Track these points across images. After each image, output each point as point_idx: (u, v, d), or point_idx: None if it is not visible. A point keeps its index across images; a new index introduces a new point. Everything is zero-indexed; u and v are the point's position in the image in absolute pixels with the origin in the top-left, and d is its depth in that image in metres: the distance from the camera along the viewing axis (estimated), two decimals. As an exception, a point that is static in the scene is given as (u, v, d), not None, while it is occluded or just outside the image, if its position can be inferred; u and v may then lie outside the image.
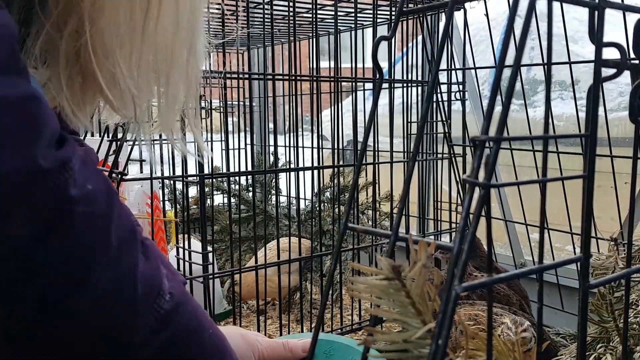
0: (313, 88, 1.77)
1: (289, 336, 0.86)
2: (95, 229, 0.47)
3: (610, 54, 0.34)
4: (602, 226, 1.59)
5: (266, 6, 1.67)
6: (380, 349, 0.31)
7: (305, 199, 2.39)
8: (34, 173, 0.42)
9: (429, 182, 2.28)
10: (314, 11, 1.74)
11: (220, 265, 2.27)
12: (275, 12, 1.71)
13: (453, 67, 2.07)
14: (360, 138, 1.91)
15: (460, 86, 2.09)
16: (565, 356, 1.02)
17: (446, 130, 2.11)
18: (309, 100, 1.89)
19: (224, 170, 2.41)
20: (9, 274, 0.42)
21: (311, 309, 2.01)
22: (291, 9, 1.68)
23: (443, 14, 2.09)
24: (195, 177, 1.56)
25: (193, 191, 2.54)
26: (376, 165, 1.93)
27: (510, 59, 0.29)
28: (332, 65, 1.87)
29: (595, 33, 0.32)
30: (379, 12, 1.87)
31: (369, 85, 2.34)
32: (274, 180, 2.44)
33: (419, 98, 2.08)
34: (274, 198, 2.43)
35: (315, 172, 1.93)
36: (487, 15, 1.85)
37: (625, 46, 0.36)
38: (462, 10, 2.00)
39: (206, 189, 2.19)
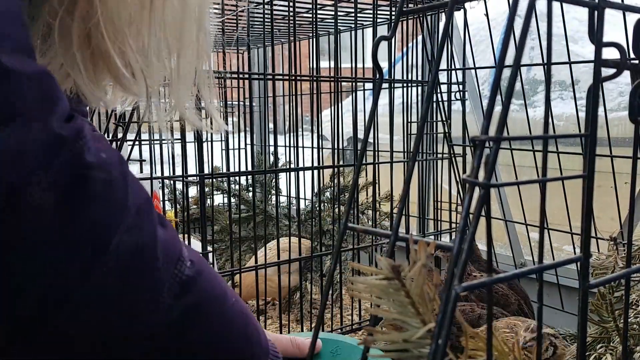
0: (313, 88, 1.77)
1: (292, 334, 0.86)
2: (113, 194, 0.47)
3: (610, 54, 0.34)
4: (602, 226, 1.59)
5: (266, 6, 1.67)
6: (381, 349, 0.31)
7: (305, 199, 2.39)
8: (52, 141, 0.44)
9: (429, 182, 2.28)
10: (314, 11, 1.74)
11: (220, 265, 2.27)
12: (275, 12, 1.71)
13: (453, 67, 2.07)
14: (360, 138, 1.91)
15: (460, 86, 2.10)
16: (565, 356, 1.02)
17: (446, 130, 2.11)
18: (309, 100, 1.89)
19: (224, 170, 2.41)
20: (32, 239, 0.43)
21: (311, 309, 2.01)
22: (291, 9, 1.68)
23: (443, 14, 2.09)
24: (195, 177, 1.56)
25: (193, 191, 2.54)
26: (376, 165, 1.93)
27: (510, 59, 0.29)
28: (332, 65, 1.87)
29: (595, 33, 0.32)
30: (379, 12, 1.87)
31: (369, 85, 2.34)
32: (274, 180, 2.45)
33: (419, 98, 2.08)
34: (274, 198, 2.43)
35: (315, 172, 1.93)
36: (487, 15, 1.85)
37: (625, 46, 0.36)
38: (462, 10, 2.00)
39: (206, 189, 2.19)
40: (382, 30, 2.17)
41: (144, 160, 1.65)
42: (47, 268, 0.44)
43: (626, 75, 0.36)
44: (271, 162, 2.54)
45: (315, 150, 1.79)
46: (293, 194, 1.94)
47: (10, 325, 0.45)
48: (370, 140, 2.09)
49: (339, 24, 1.90)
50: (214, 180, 2.52)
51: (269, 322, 1.97)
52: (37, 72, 0.44)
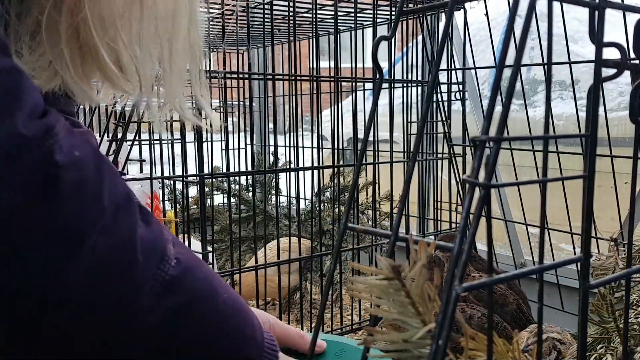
0: (313, 88, 1.77)
1: None
2: (86, 195, 0.46)
3: (610, 54, 0.34)
4: (602, 226, 1.59)
5: (266, 6, 1.67)
6: (381, 349, 0.31)
7: (305, 199, 2.39)
8: (16, 141, 0.42)
9: (429, 182, 2.28)
10: (314, 11, 1.74)
11: (220, 265, 2.27)
12: (275, 12, 1.71)
13: (453, 67, 2.07)
14: (360, 138, 1.91)
15: (460, 86, 2.09)
16: (566, 357, 1.02)
17: (446, 130, 2.11)
18: (309, 100, 1.89)
19: (224, 170, 2.41)
20: (2, 243, 0.42)
21: (311, 308, 2.01)
22: (291, 9, 1.68)
23: (443, 14, 2.09)
24: (195, 177, 1.56)
25: (193, 191, 2.54)
26: (376, 165, 1.93)
27: (510, 59, 0.29)
28: (332, 65, 1.87)
29: (596, 33, 0.32)
30: (379, 12, 1.87)
31: (369, 85, 2.34)
32: (274, 180, 2.44)
33: (419, 98, 2.08)
34: (274, 198, 2.43)
35: (315, 172, 1.93)
36: (487, 15, 1.85)
37: (625, 46, 0.36)
38: (462, 10, 2.00)
39: (206, 189, 2.19)
40: (382, 30, 2.17)
41: (144, 160, 1.65)
42: (20, 272, 0.43)
43: (626, 75, 0.36)
44: (271, 162, 2.54)
45: (315, 150, 1.79)
46: (293, 194, 1.94)
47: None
48: (370, 139, 2.09)
49: (339, 24, 1.90)
50: (214, 180, 2.51)
51: (269, 322, 1.97)
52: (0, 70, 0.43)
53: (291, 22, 1.69)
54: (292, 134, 1.83)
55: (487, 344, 0.31)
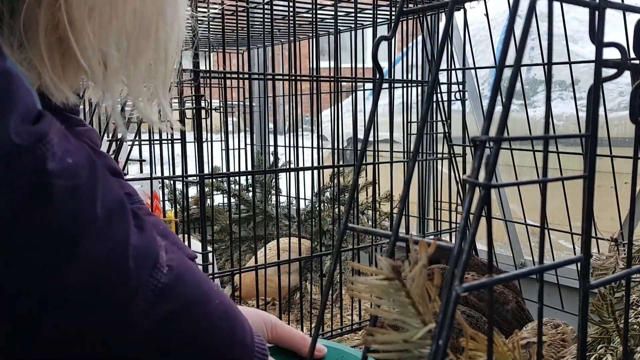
0: (313, 88, 1.77)
1: None
2: (78, 202, 0.46)
3: (610, 54, 0.34)
4: (602, 226, 1.59)
5: (266, 6, 1.67)
6: (380, 350, 0.31)
7: (305, 199, 2.39)
8: (7, 149, 0.42)
9: (429, 182, 2.28)
10: (314, 11, 1.74)
11: (220, 265, 2.27)
12: (275, 12, 1.70)
13: (453, 67, 2.07)
14: (360, 138, 1.91)
15: (460, 86, 2.09)
16: (566, 356, 1.02)
17: (446, 130, 2.11)
18: (309, 100, 1.89)
19: (224, 170, 2.41)
20: None
21: (311, 309, 2.01)
22: (291, 9, 1.68)
23: (443, 14, 2.09)
24: (195, 177, 1.56)
25: (193, 191, 2.54)
26: (376, 165, 1.93)
27: (510, 59, 0.29)
28: (332, 65, 1.87)
29: (596, 33, 0.32)
30: (379, 12, 1.87)
31: (369, 85, 2.34)
32: (274, 180, 2.44)
33: (419, 98, 2.08)
34: (274, 198, 2.43)
35: (315, 172, 1.93)
36: (487, 15, 1.85)
37: (626, 46, 0.36)
38: (462, 10, 2.00)
39: (206, 189, 2.19)
40: (382, 30, 2.17)
41: (144, 160, 1.65)
42: (14, 275, 0.43)
43: (626, 75, 0.36)
44: (271, 162, 2.54)
45: (315, 150, 1.79)
46: (293, 194, 1.94)
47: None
48: (370, 139, 2.09)
49: (339, 24, 1.90)
50: (214, 180, 2.51)
51: (269, 322, 1.97)
52: None
53: (291, 22, 1.69)
54: (292, 134, 1.83)
55: (487, 344, 0.31)
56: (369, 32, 2.11)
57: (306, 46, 2.34)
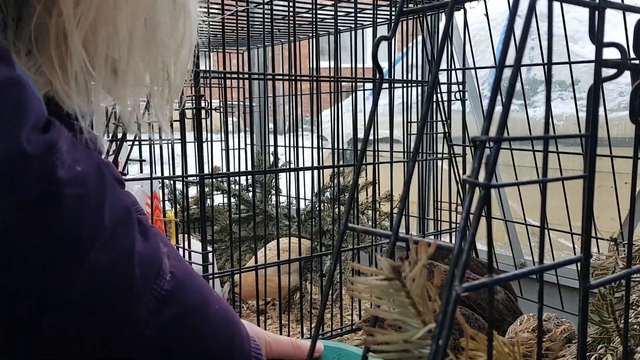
0: (313, 88, 1.77)
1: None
2: (87, 210, 0.46)
3: (610, 54, 0.34)
4: (602, 226, 1.59)
5: (266, 6, 1.67)
6: (380, 350, 0.31)
7: (305, 199, 2.39)
8: (19, 158, 0.42)
9: (429, 182, 2.28)
10: (314, 11, 1.74)
11: (220, 265, 2.27)
12: (275, 12, 1.70)
13: (453, 67, 2.07)
14: (360, 138, 1.91)
15: (460, 86, 2.09)
16: (566, 357, 1.02)
17: (446, 130, 2.11)
18: (309, 100, 1.89)
19: (224, 170, 2.41)
20: (4, 257, 0.42)
21: (311, 309, 2.01)
22: (291, 9, 1.68)
23: (443, 14, 2.09)
24: (195, 177, 1.56)
25: (193, 191, 2.54)
26: (376, 165, 1.93)
27: (510, 59, 0.29)
28: (332, 65, 1.87)
29: (596, 33, 0.32)
30: (379, 12, 1.87)
31: (369, 85, 2.34)
32: (274, 180, 2.44)
33: (419, 98, 2.08)
34: (274, 198, 2.43)
35: (315, 172, 1.93)
36: (487, 15, 1.85)
37: (626, 46, 0.36)
38: (462, 10, 2.00)
39: (206, 189, 2.19)
40: (382, 30, 2.17)
41: (144, 160, 1.65)
42: (17, 286, 0.44)
43: (626, 75, 0.36)
44: (271, 162, 2.54)
45: (315, 150, 1.79)
46: (293, 194, 1.94)
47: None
48: (370, 139, 2.09)
49: (339, 24, 1.90)
50: (214, 180, 2.51)
51: (269, 322, 1.97)
52: (1, 82, 0.42)
53: (291, 22, 1.69)
54: (292, 134, 1.83)
55: (487, 344, 0.31)
56: (369, 32, 2.12)
57: (306, 46, 2.34)
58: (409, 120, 2.05)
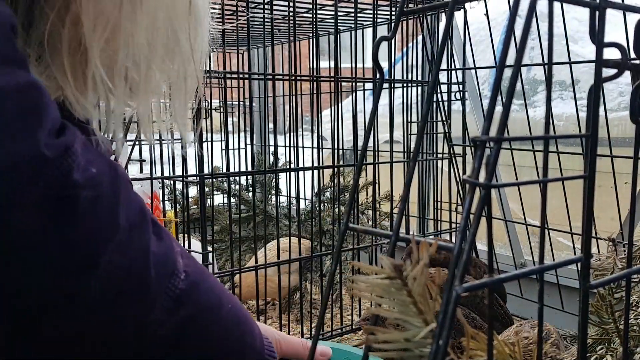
0: (313, 88, 1.77)
1: None
2: (103, 212, 0.46)
3: (610, 54, 0.34)
4: (602, 226, 1.59)
5: (266, 6, 1.67)
6: (380, 348, 0.31)
7: (305, 199, 2.39)
8: (37, 162, 0.43)
9: (429, 182, 2.28)
10: (314, 11, 1.74)
11: (220, 265, 2.27)
12: (275, 12, 1.70)
13: (453, 67, 2.07)
14: (360, 138, 1.91)
15: (460, 86, 2.09)
16: (566, 358, 1.02)
17: (446, 130, 2.11)
18: (309, 100, 1.89)
19: (224, 170, 2.41)
20: (17, 263, 0.43)
21: (311, 309, 2.01)
22: (291, 9, 1.68)
23: (443, 14, 2.09)
24: (195, 177, 1.56)
25: (193, 191, 2.54)
26: (376, 165, 1.93)
27: (510, 59, 0.29)
28: (332, 65, 1.87)
29: (596, 33, 0.32)
30: (379, 12, 1.87)
31: (369, 85, 2.34)
32: (274, 180, 2.44)
33: (419, 98, 2.08)
34: (274, 198, 2.43)
35: (315, 172, 1.93)
36: (487, 15, 1.85)
37: (626, 46, 0.36)
38: (462, 10, 2.00)
39: (206, 189, 2.19)
40: (382, 30, 2.17)
41: (144, 160, 1.65)
42: (34, 288, 0.44)
43: (627, 75, 0.36)
44: (271, 162, 2.54)
45: (315, 151, 1.79)
46: (293, 194, 1.94)
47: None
48: (371, 140, 2.09)
49: (339, 24, 1.90)
50: (214, 180, 2.51)
51: (269, 322, 1.97)
52: (20, 86, 0.43)
53: (291, 22, 1.69)
54: (292, 134, 1.83)
55: (487, 344, 0.31)
56: (369, 32, 2.11)
57: (306, 46, 2.34)
58: (409, 120, 2.05)
